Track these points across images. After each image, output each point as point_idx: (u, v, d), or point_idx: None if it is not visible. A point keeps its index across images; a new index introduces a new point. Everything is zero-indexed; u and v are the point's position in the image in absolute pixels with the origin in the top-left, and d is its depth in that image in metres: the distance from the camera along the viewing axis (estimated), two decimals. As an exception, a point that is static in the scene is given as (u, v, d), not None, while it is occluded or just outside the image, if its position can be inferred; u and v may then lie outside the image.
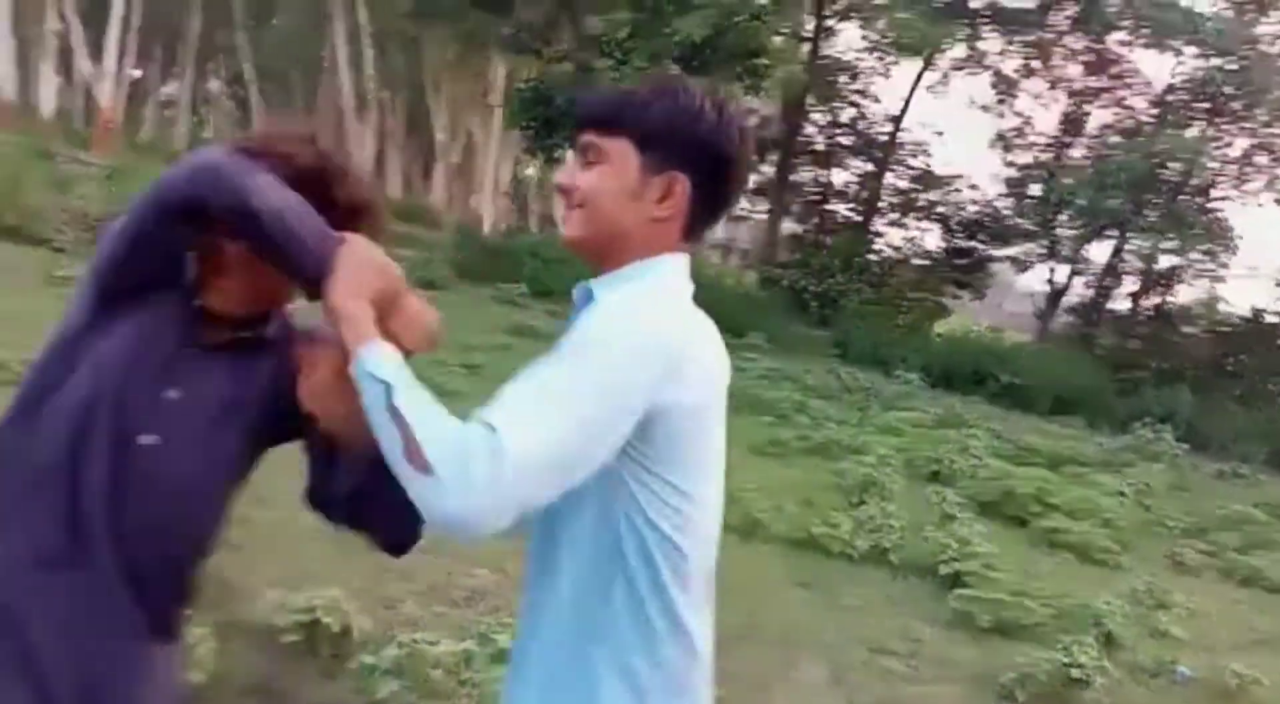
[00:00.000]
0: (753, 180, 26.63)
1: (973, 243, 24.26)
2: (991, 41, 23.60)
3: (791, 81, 19.20)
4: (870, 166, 24.86)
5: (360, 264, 1.26)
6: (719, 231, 44.23)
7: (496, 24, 20.88)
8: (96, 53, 28.04)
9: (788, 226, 25.22)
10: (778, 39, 20.02)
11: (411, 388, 1.16)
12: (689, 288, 1.41)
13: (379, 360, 1.17)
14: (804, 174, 25.43)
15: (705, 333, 1.40)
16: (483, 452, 1.10)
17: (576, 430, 1.16)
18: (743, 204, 28.68)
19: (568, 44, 20.53)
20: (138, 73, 34.97)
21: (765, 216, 25.70)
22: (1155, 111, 22.66)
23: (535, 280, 16.83)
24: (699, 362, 1.33)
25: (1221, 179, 22.24)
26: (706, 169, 1.37)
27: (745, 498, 5.86)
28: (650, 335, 1.26)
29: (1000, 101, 24.88)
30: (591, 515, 1.27)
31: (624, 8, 18.27)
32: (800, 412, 9.86)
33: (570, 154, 1.41)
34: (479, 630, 3.30)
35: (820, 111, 24.77)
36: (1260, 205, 22.57)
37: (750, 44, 18.52)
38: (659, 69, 16.71)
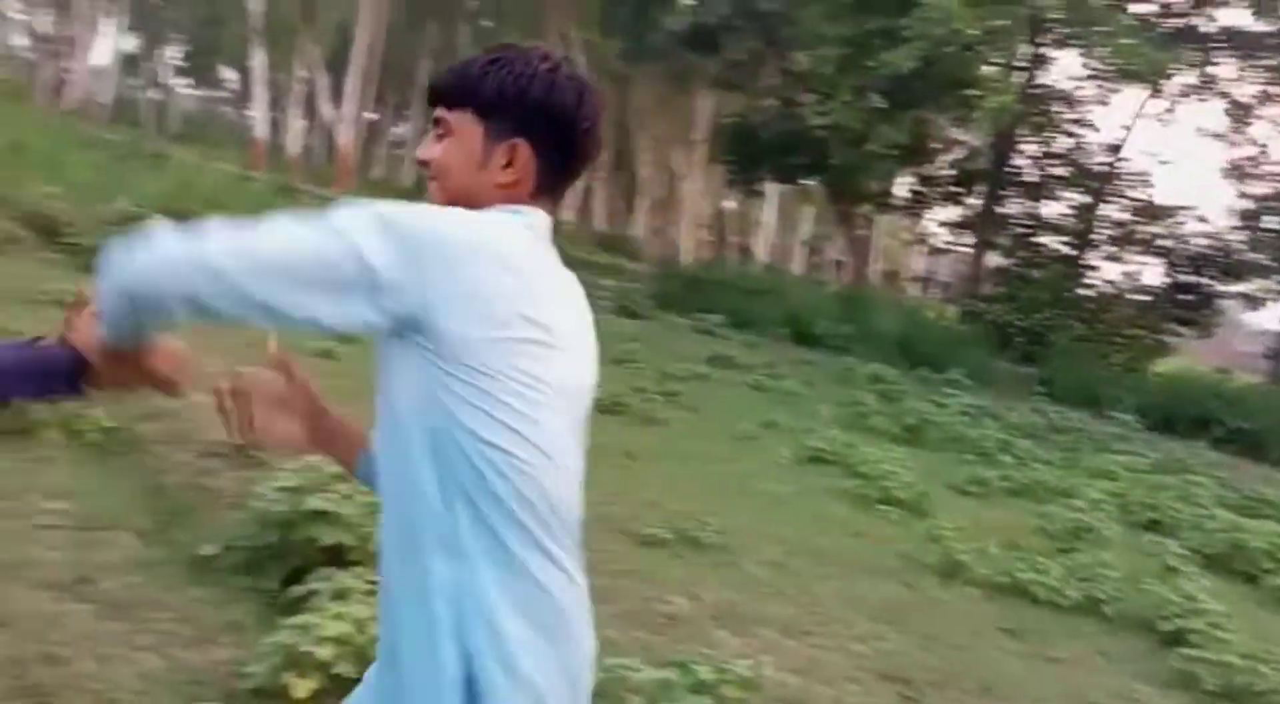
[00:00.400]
0: (957, 213, 26.01)
1: (1199, 278, 22.47)
2: (1225, 67, 21.94)
3: (1003, 111, 18.55)
4: (1085, 198, 23.54)
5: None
6: (920, 265, 43.04)
7: (704, 63, 21.34)
8: (337, 98, 30.73)
9: (993, 260, 24.24)
10: (989, 69, 19.41)
11: None
12: (540, 235, 1.41)
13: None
14: (1012, 206, 24.39)
15: (546, 262, 1.40)
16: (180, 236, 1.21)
17: (284, 252, 1.20)
18: (945, 236, 27.86)
19: (773, 80, 20.72)
20: (373, 115, 37.96)
21: (969, 249, 24.79)
22: None
23: (733, 311, 16.97)
24: (506, 267, 1.28)
25: None
26: (545, 131, 1.40)
27: (945, 537, 5.71)
28: (447, 226, 1.27)
29: (1234, 129, 23.04)
30: (418, 435, 1.26)
31: (830, 43, 18.26)
32: (1004, 451, 9.45)
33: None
34: (678, 659, 3.33)
35: (1032, 142, 23.73)
36: None
37: (960, 75, 18.07)
38: (864, 102, 16.63)
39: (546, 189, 1.44)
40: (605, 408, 7.88)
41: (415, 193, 29.08)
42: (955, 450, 9.33)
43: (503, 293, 1.25)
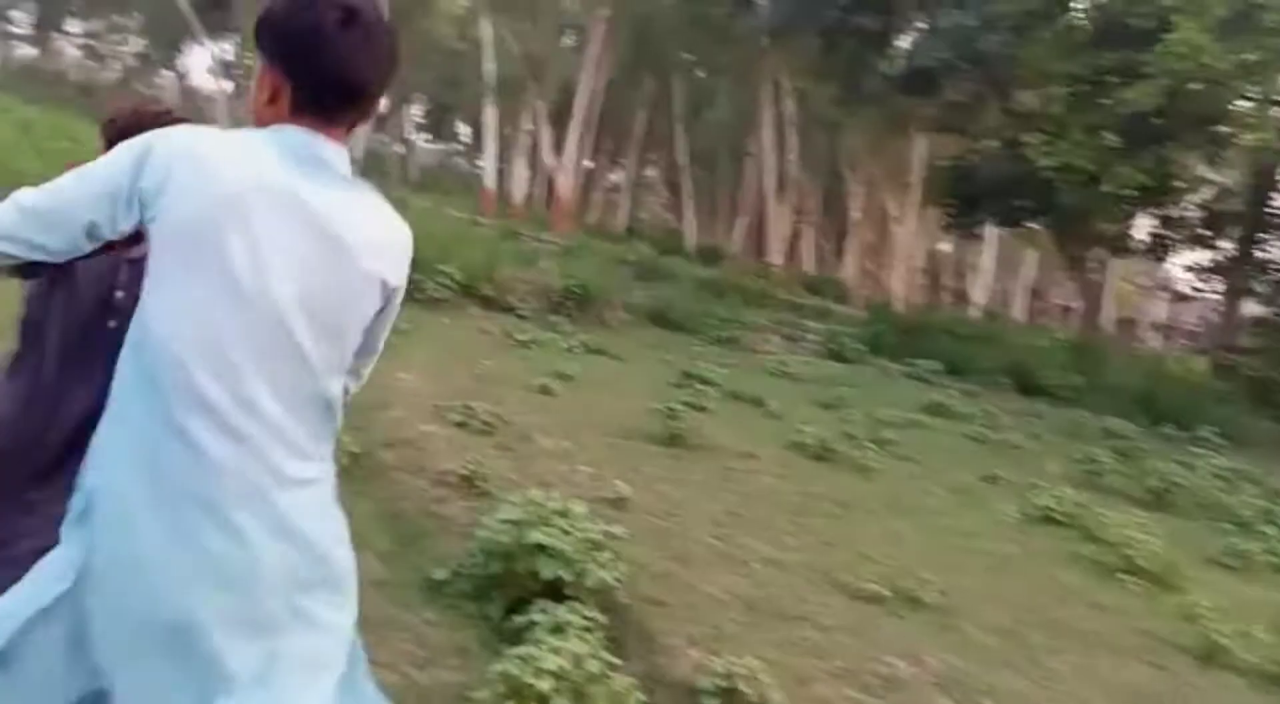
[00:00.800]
0: (1206, 257, 23.90)
1: None
2: None
3: (1261, 149, 16.93)
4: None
5: None
6: (1161, 312, 39.79)
7: (921, 106, 20.84)
8: (559, 148, 32.20)
9: (1250, 308, 22.05)
10: (1243, 103, 17.84)
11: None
12: (283, 142, 1.55)
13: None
14: (1273, 249, 22.15)
15: (254, 154, 1.54)
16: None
17: (66, 195, 1.53)
18: (1192, 282, 25.63)
19: (994, 121, 19.92)
20: (590, 164, 39.48)
21: (1221, 296, 22.68)
22: None
23: (950, 358, 16.27)
24: (199, 168, 1.50)
25: None
26: (284, 51, 1.56)
27: (1201, 616, 5.14)
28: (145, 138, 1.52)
29: None
30: None
31: (1059, 81, 17.38)
32: (1267, 520, 8.45)
33: None
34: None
35: (1295, 180, 21.53)
36: None
37: (1209, 110, 16.69)
38: (1098, 141, 15.55)
39: (306, 105, 1.58)
40: (814, 453, 7.70)
41: (629, 237, 29.65)
42: (1208, 518, 8.45)
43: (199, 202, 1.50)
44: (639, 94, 36.02)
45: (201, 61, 41.53)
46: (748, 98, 31.62)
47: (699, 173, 38.33)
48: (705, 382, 9.99)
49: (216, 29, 37.33)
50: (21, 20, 47.83)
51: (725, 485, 6.32)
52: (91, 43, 49.08)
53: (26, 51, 50.94)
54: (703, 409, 8.29)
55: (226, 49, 39.62)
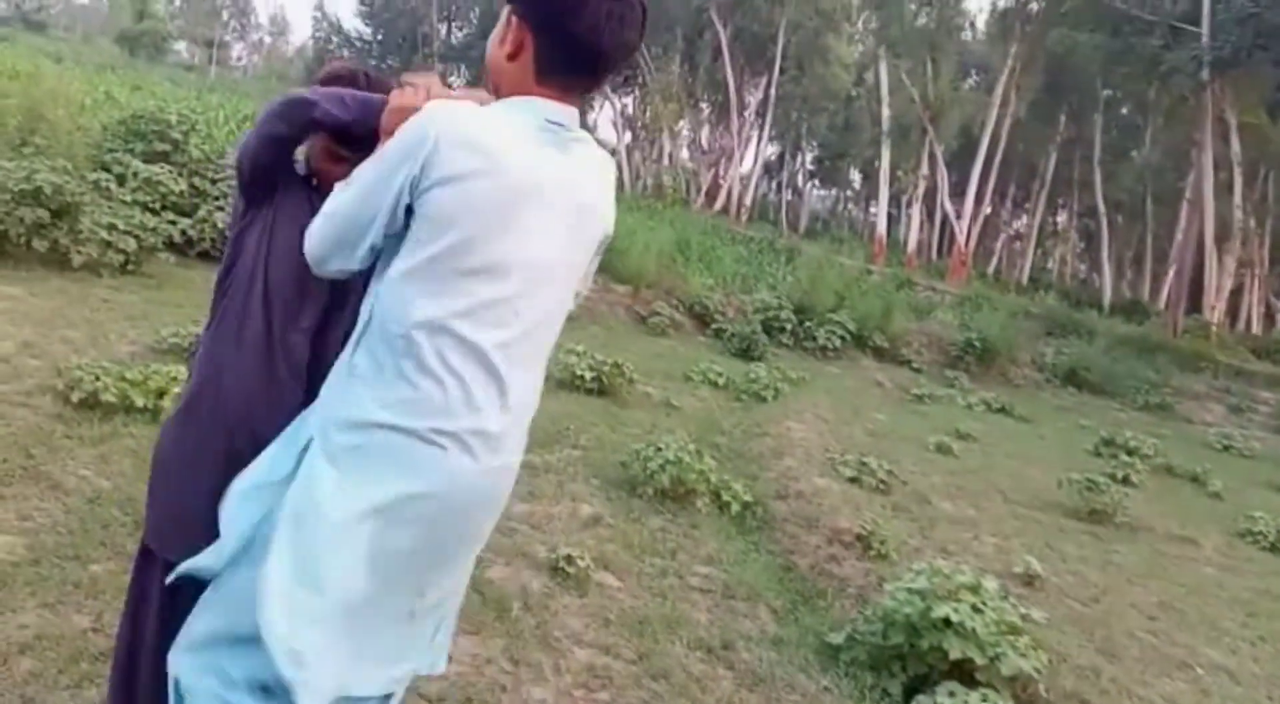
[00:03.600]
0: None
1: None
2: None
3: None
4: None
5: (390, 111, 1.68)
6: None
7: None
8: (957, 193, 31.00)
9: None
10: None
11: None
12: (536, 117, 1.56)
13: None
14: None
15: (521, 137, 1.54)
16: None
17: (350, 200, 1.57)
18: None
19: None
20: (988, 209, 37.61)
21: None
22: None
23: None
24: (472, 146, 1.50)
25: None
26: (541, 8, 1.54)
27: None
28: (415, 127, 1.52)
29: None
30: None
31: None
32: None
33: None
34: None
35: None
36: None
37: None
38: None
39: (549, 67, 1.57)
40: (1269, 544, 6.60)
41: (1033, 288, 27.85)
42: None
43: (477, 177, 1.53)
44: (1049, 135, 33.72)
45: (606, 116, 45.49)
46: (1181, 136, 28.33)
47: (1119, 219, 34.95)
48: (1131, 452, 8.94)
49: (619, 86, 40.74)
50: (457, 84, 55.25)
51: (1158, 572, 5.53)
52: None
53: None
54: (1129, 483, 7.38)
55: (627, 103, 43.10)
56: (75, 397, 4.43)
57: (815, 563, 4.58)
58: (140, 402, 4.51)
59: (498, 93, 1.64)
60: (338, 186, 1.61)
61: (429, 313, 1.51)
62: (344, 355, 1.62)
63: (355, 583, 1.53)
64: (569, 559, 3.79)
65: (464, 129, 1.51)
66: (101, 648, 2.62)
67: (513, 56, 1.59)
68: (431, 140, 1.49)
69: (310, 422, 1.63)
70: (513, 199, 1.53)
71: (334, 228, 1.58)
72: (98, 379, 4.48)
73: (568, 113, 1.61)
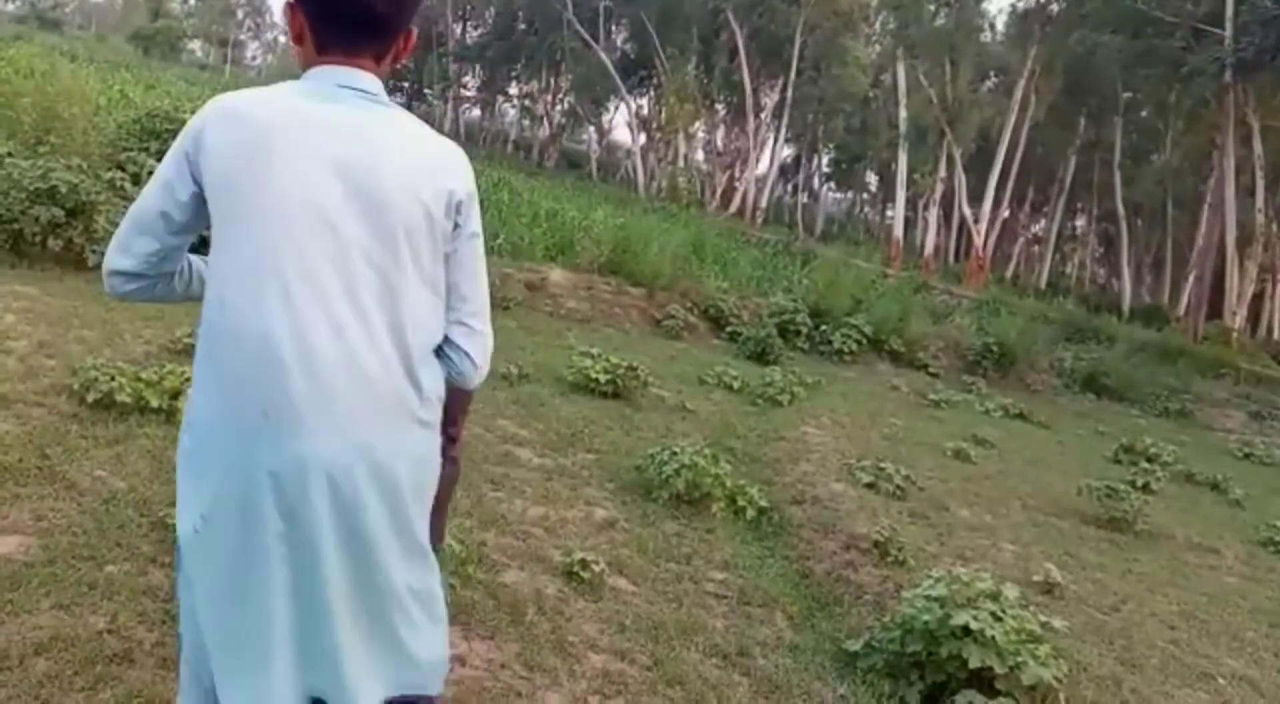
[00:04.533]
0: None
1: None
2: None
3: None
4: None
5: None
6: None
7: None
8: (975, 197, 30.83)
9: None
10: None
11: None
12: (325, 83, 1.62)
13: None
14: None
15: (289, 95, 1.62)
16: None
17: (144, 195, 1.65)
18: None
19: None
20: (1005, 212, 37.40)
21: None
22: None
23: None
24: (237, 114, 1.58)
25: None
26: None
27: None
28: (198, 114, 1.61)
29: None
30: None
31: None
32: None
33: None
34: None
35: None
36: None
37: None
38: None
39: (327, 41, 1.63)
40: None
41: (1051, 293, 27.55)
42: None
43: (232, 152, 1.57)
44: (1068, 138, 33.48)
45: (621, 117, 45.43)
46: (1203, 140, 28.10)
47: (1138, 223, 34.67)
48: (1151, 459, 8.85)
49: (634, 87, 40.64)
50: (471, 84, 55.38)
51: (1179, 581, 5.46)
52: (527, 103, 54.94)
53: (474, 114, 58.60)
54: (1149, 490, 7.30)
55: (642, 105, 43.03)
56: (90, 397, 4.43)
57: (832, 569, 4.54)
58: (155, 402, 4.51)
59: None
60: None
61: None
62: None
63: None
64: (583, 564, 3.77)
65: (233, 102, 1.61)
66: (117, 650, 2.61)
67: (298, 39, 1.67)
68: (203, 117, 1.59)
69: None
70: (259, 139, 1.55)
71: (129, 218, 1.67)
72: (113, 379, 4.50)
73: (366, 79, 1.64)
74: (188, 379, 4.62)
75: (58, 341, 5.44)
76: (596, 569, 3.77)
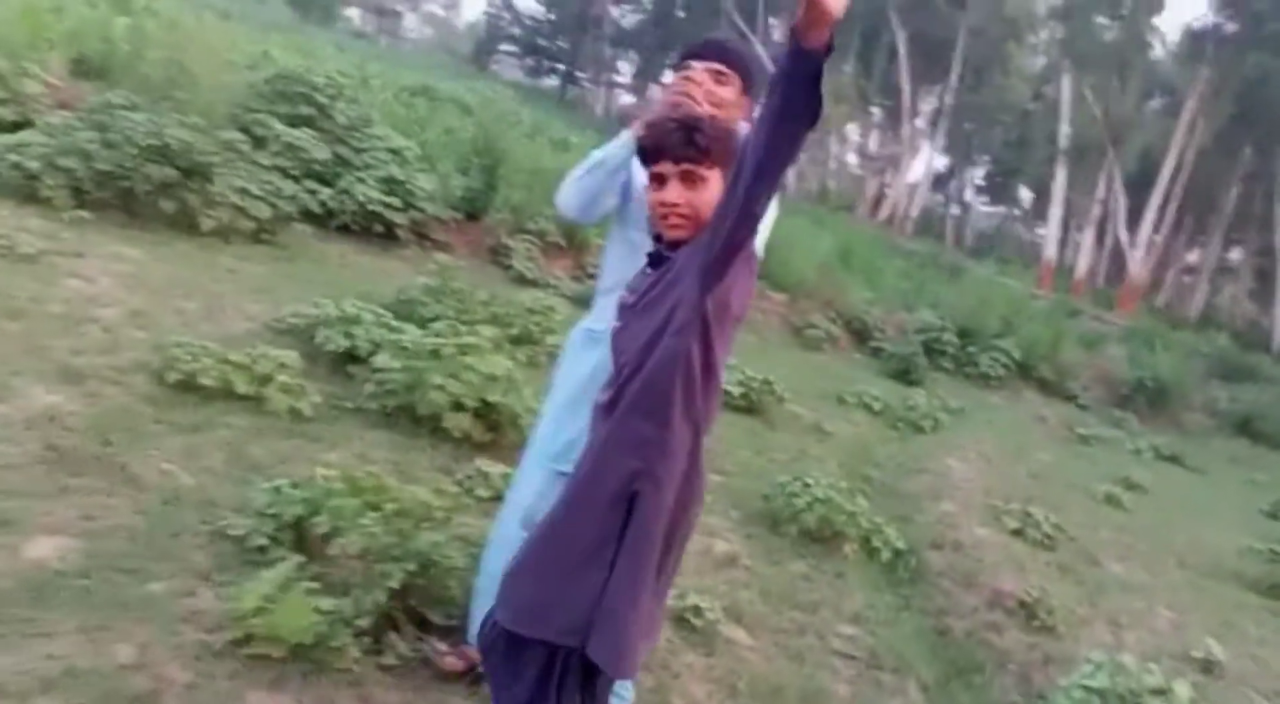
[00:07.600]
0: None
1: None
2: None
3: None
4: None
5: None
6: None
7: None
8: (1133, 221, 29.48)
9: None
10: None
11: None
12: None
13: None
14: None
15: None
16: None
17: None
18: None
19: None
20: (1165, 240, 35.64)
21: None
22: None
23: None
24: None
25: None
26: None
27: None
28: None
29: None
30: None
31: None
32: None
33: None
34: None
35: None
36: None
37: None
38: None
39: None
40: None
41: (1203, 326, 26.06)
42: None
43: None
44: (1234, 166, 31.59)
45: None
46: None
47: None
48: (1312, 517, 8.45)
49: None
50: (625, 70, 55.37)
51: (1345, 661, 5.18)
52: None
53: (626, 100, 58.34)
54: (1312, 554, 6.96)
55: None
56: (171, 377, 3.97)
57: (973, 630, 4.18)
58: (242, 388, 4.05)
59: None
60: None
61: None
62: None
63: None
64: (696, 610, 3.47)
65: None
66: (139, 690, 2.24)
67: None
68: None
69: None
70: None
71: None
72: (196, 359, 4.02)
73: None
74: (281, 364, 4.24)
75: (153, 312, 4.92)
76: (711, 616, 3.47)
